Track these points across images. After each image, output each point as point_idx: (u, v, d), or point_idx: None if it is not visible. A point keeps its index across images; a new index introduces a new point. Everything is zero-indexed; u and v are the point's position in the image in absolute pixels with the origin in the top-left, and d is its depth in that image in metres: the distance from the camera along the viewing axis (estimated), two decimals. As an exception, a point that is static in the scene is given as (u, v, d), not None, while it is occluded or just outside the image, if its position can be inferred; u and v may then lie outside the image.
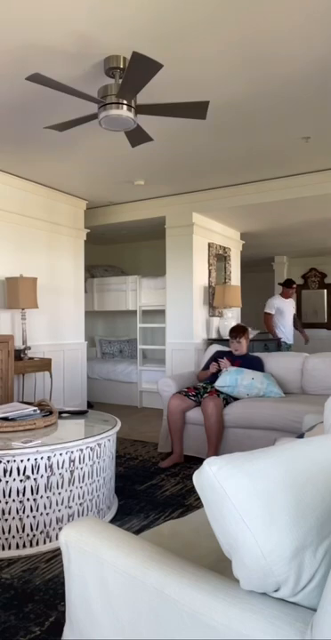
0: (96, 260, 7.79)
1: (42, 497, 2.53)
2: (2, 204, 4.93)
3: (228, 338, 4.61)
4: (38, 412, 3.09)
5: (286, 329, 6.83)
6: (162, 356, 6.77)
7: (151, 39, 2.64)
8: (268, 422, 3.79)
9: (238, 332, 4.46)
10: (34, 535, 2.52)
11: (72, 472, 2.63)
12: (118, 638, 1.21)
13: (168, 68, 2.87)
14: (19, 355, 4.79)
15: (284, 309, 6.80)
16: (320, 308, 10.12)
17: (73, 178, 5.16)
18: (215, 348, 4.79)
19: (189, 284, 5.94)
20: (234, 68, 2.97)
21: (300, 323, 7.29)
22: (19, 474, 2.49)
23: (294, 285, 6.92)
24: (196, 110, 3.02)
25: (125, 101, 2.85)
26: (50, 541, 2.56)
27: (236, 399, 4.12)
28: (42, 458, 2.52)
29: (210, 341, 5.99)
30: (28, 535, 2.51)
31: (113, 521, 2.88)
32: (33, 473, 2.51)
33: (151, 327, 7.17)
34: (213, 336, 6.29)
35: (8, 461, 2.47)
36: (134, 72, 2.56)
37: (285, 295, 6.87)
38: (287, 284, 6.85)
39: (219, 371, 4.32)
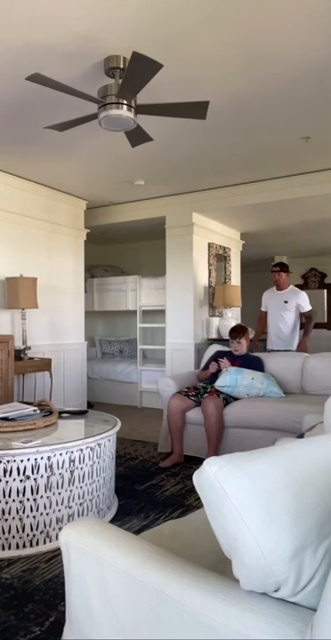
0: (96, 260, 7.79)
1: (42, 497, 2.53)
2: (2, 204, 4.93)
3: (228, 338, 4.61)
4: (38, 412, 3.09)
5: (269, 330, 5.46)
6: (162, 356, 6.77)
7: (151, 40, 2.64)
8: (268, 422, 3.79)
9: (238, 332, 4.46)
10: (34, 535, 2.52)
11: (72, 472, 2.63)
12: (118, 638, 1.21)
13: (168, 68, 2.86)
14: (19, 355, 4.79)
15: (269, 305, 5.45)
16: (320, 308, 10.12)
17: (73, 178, 5.16)
18: (215, 348, 4.79)
19: (189, 284, 5.94)
20: (234, 69, 2.97)
21: (309, 325, 5.43)
22: (19, 474, 2.49)
23: (277, 269, 5.33)
24: (196, 110, 3.02)
25: (125, 101, 2.85)
26: (50, 541, 2.56)
27: (236, 399, 4.12)
28: (42, 458, 2.52)
29: (210, 341, 5.99)
30: (28, 535, 2.50)
31: (113, 521, 2.88)
32: (33, 473, 2.51)
33: (151, 327, 7.17)
34: (213, 336, 6.29)
35: (8, 461, 2.47)
36: (134, 72, 2.56)
37: (275, 285, 5.43)
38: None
39: (219, 371, 4.32)
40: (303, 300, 5.34)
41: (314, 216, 6.11)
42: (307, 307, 5.34)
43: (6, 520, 2.48)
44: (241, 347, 4.42)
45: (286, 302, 5.29)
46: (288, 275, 5.39)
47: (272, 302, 5.42)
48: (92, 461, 2.73)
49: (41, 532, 2.53)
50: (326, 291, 10.10)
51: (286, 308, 5.30)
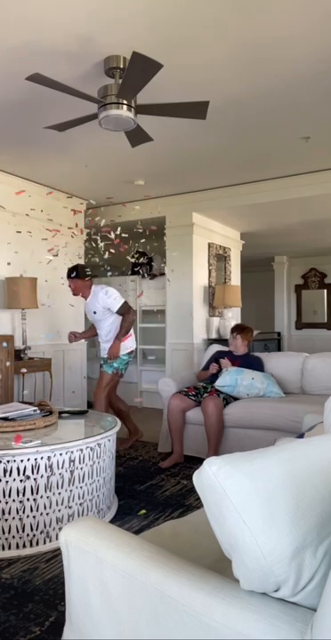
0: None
1: (42, 497, 2.53)
2: (2, 204, 4.93)
3: (227, 338, 4.62)
4: (38, 412, 3.09)
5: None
6: (162, 355, 6.76)
7: (153, 42, 2.64)
8: (268, 422, 3.79)
9: (235, 328, 4.49)
10: (34, 535, 2.52)
11: (72, 472, 2.63)
12: (118, 638, 1.21)
13: (169, 69, 2.86)
14: (19, 355, 4.79)
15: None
16: (320, 308, 10.12)
17: (73, 178, 5.16)
18: (215, 348, 4.79)
19: (189, 284, 5.94)
20: (235, 70, 2.96)
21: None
22: (19, 474, 2.49)
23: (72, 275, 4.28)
24: (196, 110, 3.01)
25: (125, 101, 2.85)
26: (50, 541, 2.56)
27: (236, 399, 4.12)
28: (42, 458, 2.52)
29: (210, 341, 5.99)
30: (28, 535, 2.50)
31: (113, 521, 2.88)
32: (33, 473, 2.51)
33: (151, 327, 7.17)
34: (214, 336, 6.29)
35: (8, 461, 2.47)
36: (134, 72, 2.56)
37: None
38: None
39: (219, 371, 4.32)
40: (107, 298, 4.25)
41: (314, 216, 6.10)
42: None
43: (6, 520, 2.48)
44: (237, 342, 4.42)
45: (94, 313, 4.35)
46: (83, 280, 4.26)
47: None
48: (92, 461, 2.73)
49: (41, 532, 2.53)
50: (326, 291, 10.10)
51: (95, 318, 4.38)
